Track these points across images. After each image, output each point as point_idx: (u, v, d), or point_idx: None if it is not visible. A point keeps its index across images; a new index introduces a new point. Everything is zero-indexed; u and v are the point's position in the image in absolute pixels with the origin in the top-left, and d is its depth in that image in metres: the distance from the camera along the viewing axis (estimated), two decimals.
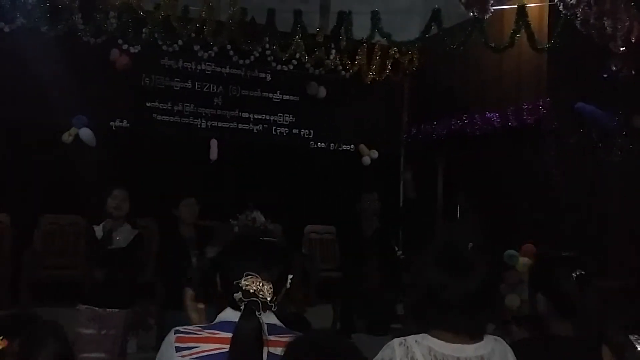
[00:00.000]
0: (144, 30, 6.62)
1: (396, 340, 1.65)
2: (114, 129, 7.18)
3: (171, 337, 1.64)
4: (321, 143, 8.24)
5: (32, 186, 6.49)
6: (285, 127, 8.08)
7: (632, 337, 1.64)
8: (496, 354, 1.66)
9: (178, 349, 1.61)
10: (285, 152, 7.80)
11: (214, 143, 7.38)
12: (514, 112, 6.32)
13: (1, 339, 1.01)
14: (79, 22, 6.38)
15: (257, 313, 1.58)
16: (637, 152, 5.98)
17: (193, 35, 6.73)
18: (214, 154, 7.35)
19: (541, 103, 6.01)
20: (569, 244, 5.47)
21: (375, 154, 8.24)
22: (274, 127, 8.02)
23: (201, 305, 1.82)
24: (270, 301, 1.61)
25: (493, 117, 6.61)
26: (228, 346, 1.56)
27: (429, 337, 1.64)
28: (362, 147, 8.24)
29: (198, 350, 1.60)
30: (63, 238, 6.47)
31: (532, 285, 2.07)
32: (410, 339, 1.64)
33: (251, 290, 1.59)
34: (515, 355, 1.70)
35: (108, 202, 4.12)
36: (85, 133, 6.78)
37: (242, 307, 1.59)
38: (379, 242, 5.62)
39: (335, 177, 7.93)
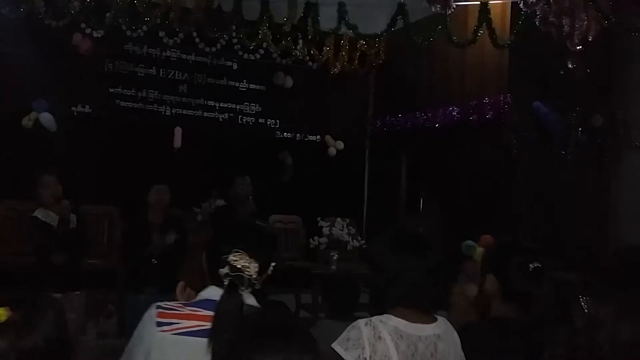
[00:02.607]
0: (107, 14, 6.50)
1: (361, 321, 1.70)
2: (75, 114, 7.07)
3: (152, 311, 1.63)
4: (287, 133, 8.25)
5: None
6: (251, 117, 8.06)
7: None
8: (448, 333, 1.79)
9: (159, 324, 1.60)
10: (251, 141, 7.78)
11: (178, 131, 7.33)
12: (475, 106, 6.45)
13: (7, 309, 1.08)
14: (41, 4, 6.23)
15: (240, 289, 1.59)
16: (593, 148, 6.19)
17: (158, 21, 6.63)
18: (177, 141, 7.31)
19: (502, 98, 6.15)
20: (526, 236, 5.65)
21: (341, 145, 8.30)
22: (239, 116, 8.00)
23: (191, 293, 1.81)
24: (254, 279, 1.63)
25: (455, 111, 6.74)
26: (209, 324, 1.56)
27: (393, 317, 1.71)
28: (328, 138, 8.28)
29: (180, 327, 1.61)
30: (21, 224, 6.32)
31: (485, 265, 2.17)
32: (375, 319, 1.71)
33: (238, 266, 1.60)
34: (463, 339, 1.81)
35: (41, 189, 4.01)
36: (46, 118, 6.66)
37: (225, 283, 1.60)
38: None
39: (301, 167, 7.97)
